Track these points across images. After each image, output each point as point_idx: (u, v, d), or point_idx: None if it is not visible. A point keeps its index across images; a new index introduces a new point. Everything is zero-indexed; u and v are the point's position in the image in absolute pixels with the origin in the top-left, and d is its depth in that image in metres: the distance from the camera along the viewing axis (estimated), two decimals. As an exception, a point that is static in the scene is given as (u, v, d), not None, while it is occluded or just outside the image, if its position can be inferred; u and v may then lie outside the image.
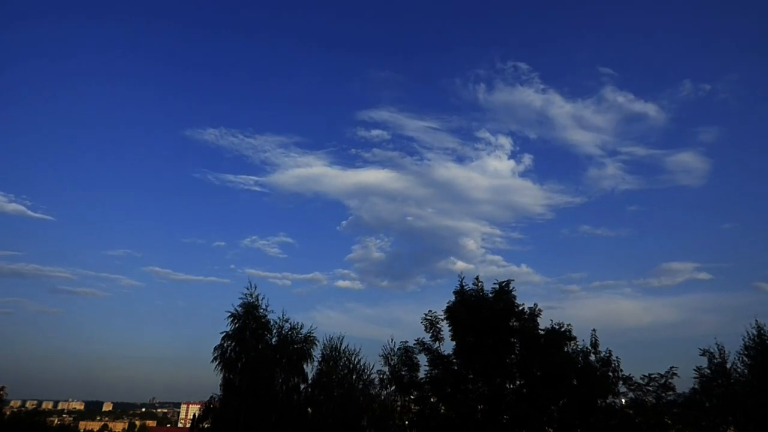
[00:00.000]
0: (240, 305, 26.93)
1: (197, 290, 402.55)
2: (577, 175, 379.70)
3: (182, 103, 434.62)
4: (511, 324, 23.19)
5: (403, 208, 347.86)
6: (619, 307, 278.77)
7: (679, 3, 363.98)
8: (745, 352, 25.49)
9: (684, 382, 23.02)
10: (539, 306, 23.93)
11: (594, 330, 23.82)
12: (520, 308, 23.53)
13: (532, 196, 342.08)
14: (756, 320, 25.75)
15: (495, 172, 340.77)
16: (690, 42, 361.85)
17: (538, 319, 23.46)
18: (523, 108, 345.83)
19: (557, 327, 23.30)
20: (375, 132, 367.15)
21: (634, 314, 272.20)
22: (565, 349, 23.08)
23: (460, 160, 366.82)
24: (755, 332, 25.49)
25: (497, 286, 23.99)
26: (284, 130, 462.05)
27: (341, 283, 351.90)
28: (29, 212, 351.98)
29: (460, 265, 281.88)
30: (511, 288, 23.82)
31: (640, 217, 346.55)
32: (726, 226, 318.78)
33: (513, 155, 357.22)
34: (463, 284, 24.67)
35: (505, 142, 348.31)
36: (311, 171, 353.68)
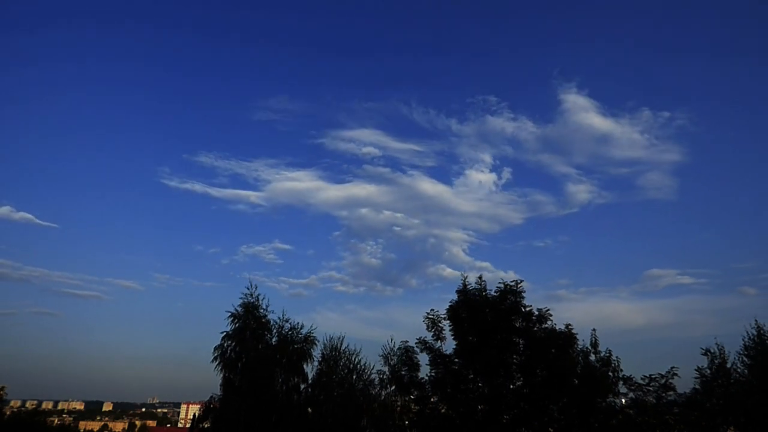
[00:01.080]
0: (240, 305, 26.95)
1: (196, 294, 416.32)
2: (554, 190, 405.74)
3: (174, 128, 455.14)
4: (516, 324, 23.09)
5: (392, 219, 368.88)
6: (610, 310, 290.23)
7: (632, 40, 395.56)
8: (745, 352, 25.52)
9: (682, 383, 23.03)
10: (548, 309, 23.65)
11: (594, 330, 23.80)
12: (528, 309, 23.44)
13: (515, 209, 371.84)
14: (756, 320, 25.81)
15: (479, 185, 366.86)
16: (645, 75, 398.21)
17: (549, 322, 23.31)
18: (496, 135, 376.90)
19: (563, 329, 23.19)
20: (366, 149, 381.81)
21: (625, 316, 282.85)
22: (570, 350, 22.99)
23: (445, 174, 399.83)
24: (755, 332, 25.52)
25: (502, 285, 23.91)
26: (276, 153, 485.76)
27: (338, 288, 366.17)
28: (37, 220, 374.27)
29: (449, 272, 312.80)
30: (519, 289, 23.70)
31: (618, 228, 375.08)
32: (702, 235, 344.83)
33: (494, 168, 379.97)
34: (466, 283, 24.51)
35: (486, 157, 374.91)
36: (303, 185, 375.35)
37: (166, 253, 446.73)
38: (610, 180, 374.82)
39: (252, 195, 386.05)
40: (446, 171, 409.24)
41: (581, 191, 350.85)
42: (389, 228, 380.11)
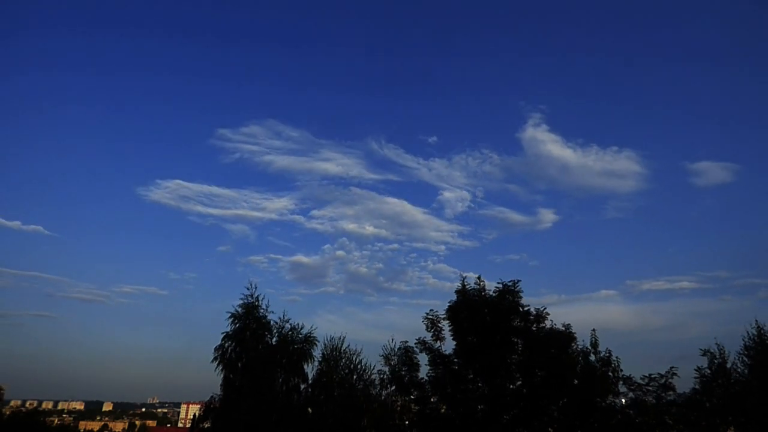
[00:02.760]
0: (240, 305, 26.98)
1: (195, 297, 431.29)
2: (526, 211, 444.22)
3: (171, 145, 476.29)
4: (514, 324, 23.08)
5: (376, 234, 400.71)
6: (599, 313, 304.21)
7: (588, 70, 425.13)
8: (745, 352, 25.51)
9: (681, 383, 23.01)
10: (545, 309, 23.62)
11: (593, 330, 23.72)
12: (526, 308, 23.44)
13: (490, 225, 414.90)
14: (756, 320, 25.81)
15: (455, 203, 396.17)
16: (597, 111, 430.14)
17: (546, 321, 23.34)
18: (462, 168, 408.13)
19: (562, 327, 23.20)
20: (352, 173, 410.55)
21: (616, 319, 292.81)
22: (569, 350, 22.97)
23: (424, 197, 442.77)
24: (755, 332, 25.52)
25: (500, 285, 23.90)
26: (263, 181, 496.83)
27: (332, 292, 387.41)
28: (46, 231, 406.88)
29: (434, 281, 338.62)
30: (517, 288, 23.68)
31: (593, 242, 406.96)
32: (671, 249, 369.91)
33: (467, 189, 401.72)
34: (465, 283, 24.48)
35: (459, 179, 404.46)
36: (292, 206, 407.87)
37: (167, 260, 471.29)
38: (576, 203, 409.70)
39: (248, 213, 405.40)
40: (423, 194, 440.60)
41: (550, 213, 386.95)
42: (373, 243, 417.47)
